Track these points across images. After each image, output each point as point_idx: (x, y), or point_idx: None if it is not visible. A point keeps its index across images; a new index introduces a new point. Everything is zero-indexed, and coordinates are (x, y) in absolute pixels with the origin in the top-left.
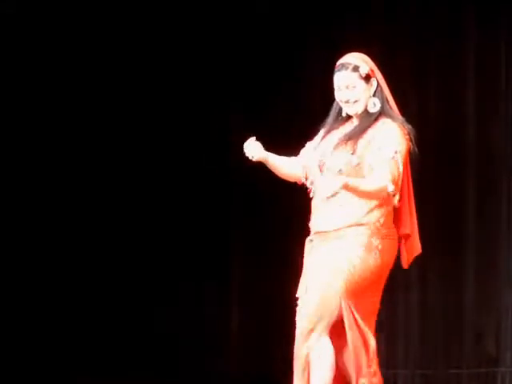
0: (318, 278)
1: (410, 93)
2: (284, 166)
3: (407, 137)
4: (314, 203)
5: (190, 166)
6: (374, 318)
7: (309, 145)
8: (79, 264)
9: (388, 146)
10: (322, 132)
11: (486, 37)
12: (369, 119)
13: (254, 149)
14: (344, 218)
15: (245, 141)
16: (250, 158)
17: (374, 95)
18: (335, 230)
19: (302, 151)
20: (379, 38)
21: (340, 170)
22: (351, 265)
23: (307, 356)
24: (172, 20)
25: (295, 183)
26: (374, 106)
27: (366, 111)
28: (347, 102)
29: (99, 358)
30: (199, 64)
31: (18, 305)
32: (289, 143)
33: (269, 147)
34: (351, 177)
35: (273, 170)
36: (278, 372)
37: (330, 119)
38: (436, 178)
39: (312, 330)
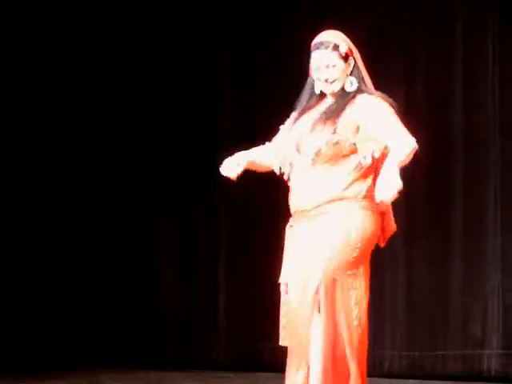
0: (303, 258)
1: (398, 80)
2: (260, 162)
3: (389, 104)
4: (292, 183)
5: (177, 158)
6: (365, 299)
7: (282, 129)
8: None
9: (380, 112)
10: (295, 113)
11: (473, 22)
12: (345, 98)
13: (229, 169)
14: (324, 194)
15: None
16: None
17: (351, 74)
18: (316, 207)
19: (276, 137)
20: (365, 20)
21: (319, 150)
22: (334, 241)
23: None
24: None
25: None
26: (351, 84)
27: (342, 90)
28: (326, 81)
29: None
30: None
31: (26, 293)
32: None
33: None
34: (329, 154)
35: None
36: (267, 351)
37: (304, 99)
38: (423, 163)
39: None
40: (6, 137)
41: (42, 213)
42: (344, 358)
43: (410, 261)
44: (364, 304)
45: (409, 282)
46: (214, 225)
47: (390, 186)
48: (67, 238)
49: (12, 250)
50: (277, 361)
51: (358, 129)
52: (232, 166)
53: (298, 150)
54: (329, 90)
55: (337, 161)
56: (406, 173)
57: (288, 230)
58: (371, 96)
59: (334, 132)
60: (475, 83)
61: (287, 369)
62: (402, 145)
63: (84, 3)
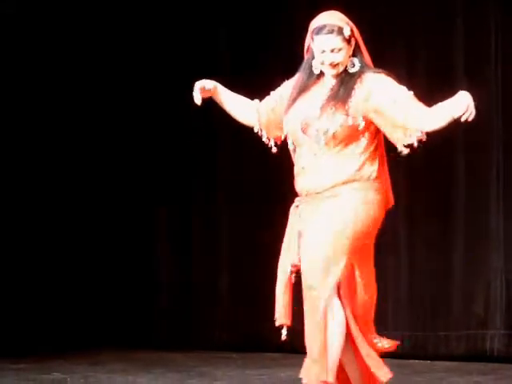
0: (319, 239)
1: (399, 58)
2: (234, 103)
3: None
4: (299, 166)
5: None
6: (373, 275)
7: (273, 94)
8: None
9: (393, 89)
10: (292, 91)
11: (475, 17)
12: (351, 78)
13: (200, 88)
14: (337, 176)
15: None
16: (196, 97)
17: (353, 55)
18: (329, 189)
19: (266, 99)
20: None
21: (335, 133)
22: (351, 221)
23: (325, 311)
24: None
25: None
26: (354, 65)
27: (344, 71)
28: (331, 64)
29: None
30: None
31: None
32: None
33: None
34: (343, 137)
35: (221, 105)
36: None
37: (302, 78)
38: (425, 145)
39: (323, 288)
40: (6, 135)
41: (43, 201)
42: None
43: (412, 242)
44: (374, 282)
45: (411, 263)
46: (215, 201)
47: (462, 100)
48: (68, 224)
49: (16, 236)
50: (280, 341)
51: (368, 109)
52: (198, 89)
53: (304, 132)
54: (332, 72)
55: (349, 143)
56: (408, 155)
57: (293, 209)
58: (377, 74)
59: (347, 114)
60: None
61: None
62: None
63: (83, 3)
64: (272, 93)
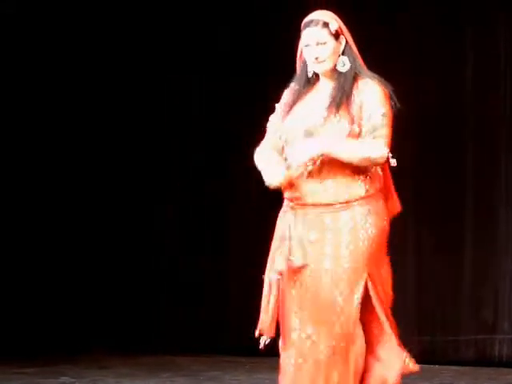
0: (334, 253)
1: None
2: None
3: (388, 95)
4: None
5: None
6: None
7: (274, 118)
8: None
9: (375, 110)
10: (288, 99)
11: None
12: (347, 81)
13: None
14: (344, 192)
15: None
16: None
17: (343, 54)
18: (340, 202)
19: (270, 128)
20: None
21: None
22: (366, 235)
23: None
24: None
25: None
26: (344, 64)
27: (335, 71)
28: (317, 58)
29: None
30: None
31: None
32: None
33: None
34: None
35: None
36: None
37: (297, 85)
38: (436, 149)
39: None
40: (5, 135)
41: (48, 198)
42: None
43: (420, 245)
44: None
45: (420, 267)
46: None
47: (304, 152)
48: (75, 228)
49: (25, 238)
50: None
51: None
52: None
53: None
54: (320, 68)
55: None
56: (418, 157)
57: (283, 215)
58: (373, 82)
59: (353, 122)
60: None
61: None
62: (373, 147)
63: (83, 3)
64: (270, 122)
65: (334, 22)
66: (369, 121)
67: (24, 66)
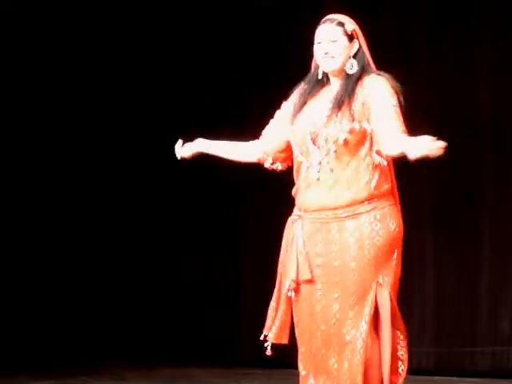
0: (342, 266)
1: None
2: (231, 153)
3: (395, 90)
4: (311, 178)
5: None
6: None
7: (273, 122)
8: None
9: (385, 102)
10: (297, 100)
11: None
12: (351, 81)
13: (181, 149)
14: (352, 192)
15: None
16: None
17: (354, 57)
18: (346, 207)
19: (269, 127)
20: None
21: (346, 140)
22: (373, 242)
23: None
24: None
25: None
26: (352, 67)
27: (344, 72)
28: (326, 54)
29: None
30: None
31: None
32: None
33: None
34: (357, 146)
35: (216, 155)
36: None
37: (307, 85)
38: (451, 159)
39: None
40: (4, 135)
41: (65, 203)
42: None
43: (438, 257)
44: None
45: (437, 278)
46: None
47: (420, 142)
48: (89, 240)
49: (40, 250)
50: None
51: (369, 114)
52: (186, 147)
53: (314, 143)
54: (329, 65)
55: (357, 152)
56: (435, 169)
57: (291, 223)
58: (379, 77)
59: (353, 119)
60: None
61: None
62: (403, 136)
63: (82, 3)
64: (276, 114)
65: (351, 24)
66: (378, 113)
67: (22, 65)
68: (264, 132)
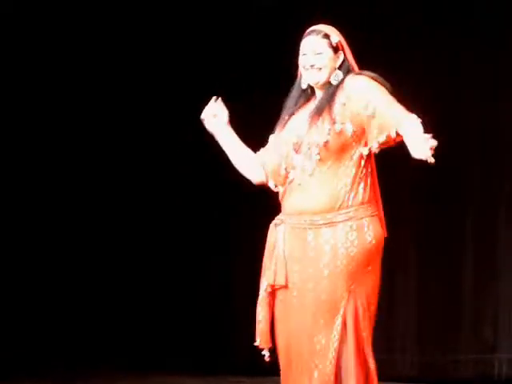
0: (315, 273)
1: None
2: (242, 154)
3: (380, 82)
4: (295, 183)
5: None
6: (373, 319)
7: (270, 141)
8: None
9: (373, 92)
10: (283, 114)
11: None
12: (332, 87)
13: (217, 110)
14: (331, 199)
15: None
16: (207, 120)
17: (339, 69)
18: (324, 213)
19: (264, 149)
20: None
21: (327, 142)
22: (347, 252)
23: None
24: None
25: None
26: (337, 79)
27: (329, 83)
28: (312, 66)
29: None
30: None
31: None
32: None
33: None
34: (336, 147)
35: (227, 151)
36: None
37: (292, 102)
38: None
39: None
40: (3, 136)
41: (64, 203)
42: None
43: (421, 264)
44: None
45: (419, 286)
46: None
47: (423, 143)
48: (95, 248)
49: (46, 255)
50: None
51: (352, 113)
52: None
53: (297, 152)
54: (314, 79)
55: (339, 157)
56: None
57: (273, 227)
58: (359, 76)
59: (334, 122)
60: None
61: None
62: (411, 120)
63: (81, 3)
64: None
65: (336, 35)
66: (368, 108)
67: (22, 65)
68: (262, 150)
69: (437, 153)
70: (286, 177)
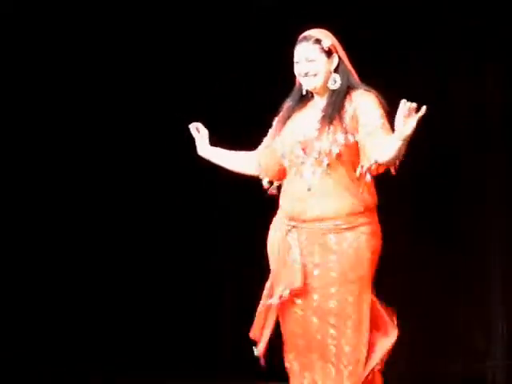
0: (339, 277)
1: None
2: (233, 162)
3: (383, 106)
4: (303, 187)
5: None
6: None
7: (267, 140)
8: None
9: (374, 116)
10: (282, 113)
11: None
12: (339, 96)
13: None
14: (341, 205)
15: None
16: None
17: (335, 71)
18: (332, 219)
19: (261, 147)
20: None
21: (339, 153)
22: (368, 255)
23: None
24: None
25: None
26: (335, 82)
27: (327, 88)
28: (306, 74)
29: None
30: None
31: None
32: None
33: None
34: (351, 158)
35: (218, 162)
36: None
37: (291, 102)
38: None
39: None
40: (3, 136)
41: (64, 203)
42: None
43: (412, 275)
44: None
45: (413, 297)
46: None
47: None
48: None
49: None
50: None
51: (355, 127)
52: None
53: (304, 151)
54: (310, 84)
55: (348, 165)
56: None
57: (291, 233)
58: (367, 93)
59: (346, 132)
60: None
61: None
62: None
63: (81, 3)
64: (265, 138)
65: (327, 39)
66: (366, 125)
67: (22, 65)
68: (259, 148)
69: (437, 153)
70: (285, 172)
